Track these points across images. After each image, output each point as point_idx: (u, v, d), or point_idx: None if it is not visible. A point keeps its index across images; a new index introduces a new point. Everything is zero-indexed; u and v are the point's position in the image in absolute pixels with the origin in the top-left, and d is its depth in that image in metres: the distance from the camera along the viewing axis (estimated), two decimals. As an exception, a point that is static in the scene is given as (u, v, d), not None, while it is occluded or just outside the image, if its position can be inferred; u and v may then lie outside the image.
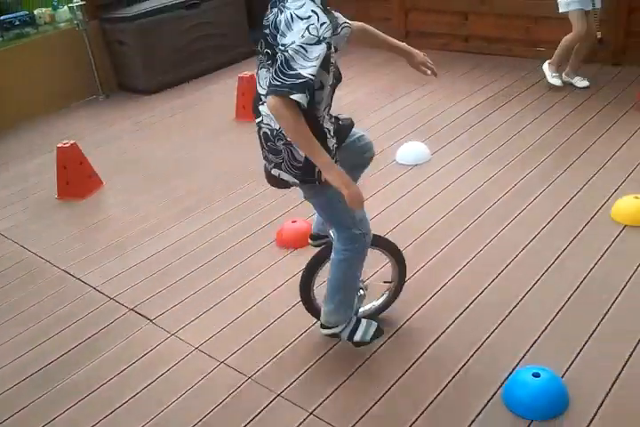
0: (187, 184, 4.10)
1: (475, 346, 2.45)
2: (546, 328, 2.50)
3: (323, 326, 2.46)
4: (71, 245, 3.55)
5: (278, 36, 1.86)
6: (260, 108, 2.05)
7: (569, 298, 2.65)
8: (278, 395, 2.35)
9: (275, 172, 2.15)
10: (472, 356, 2.41)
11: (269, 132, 2.05)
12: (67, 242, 3.60)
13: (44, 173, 4.43)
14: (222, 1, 6.30)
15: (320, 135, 1.99)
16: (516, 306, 2.64)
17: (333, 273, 2.34)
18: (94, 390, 2.49)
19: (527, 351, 2.40)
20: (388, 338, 2.56)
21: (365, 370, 2.42)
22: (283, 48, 1.82)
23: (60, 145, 4.07)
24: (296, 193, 3.72)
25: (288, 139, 1.99)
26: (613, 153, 3.75)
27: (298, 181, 2.12)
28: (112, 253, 3.42)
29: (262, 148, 2.15)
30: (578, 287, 2.70)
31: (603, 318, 2.52)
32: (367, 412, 2.23)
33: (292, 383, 2.39)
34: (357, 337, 2.43)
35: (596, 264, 2.83)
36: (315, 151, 1.92)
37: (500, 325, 2.55)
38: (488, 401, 2.21)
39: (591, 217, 3.17)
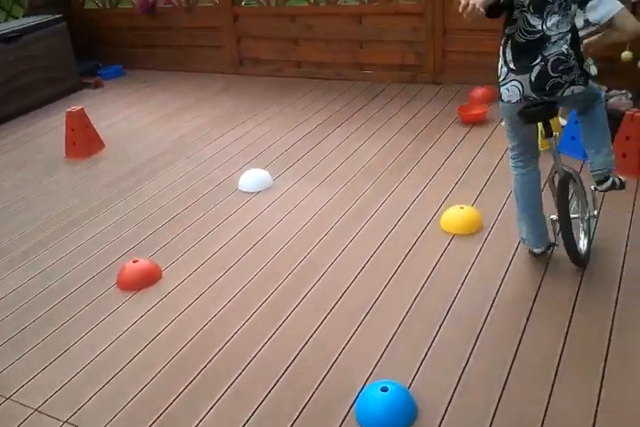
0: (15, 231, 3.81)
1: (327, 365, 2.49)
2: (391, 340, 2.59)
3: (603, 181, 2.80)
4: None
5: None
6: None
7: (410, 308, 2.77)
8: (127, 449, 2.22)
9: (567, 92, 2.58)
10: (324, 377, 2.44)
11: (564, 57, 2.53)
12: None
13: None
14: (46, 33, 6.02)
15: None
16: (362, 322, 2.72)
17: (601, 120, 2.75)
18: None
19: (375, 366, 2.46)
20: (244, 368, 2.52)
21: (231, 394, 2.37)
22: None
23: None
24: (140, 229, 3.62)
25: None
26: (440, 166, 4.00)
27: (585, 86, 2.61)
28: None
29: (550, 77, 2.54)
30: (416, 297, 2.83)
31: (440, 326, 2.65)
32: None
33: (141, 434, 2.28)
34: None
35: (430, 274, 2.98)
36: None
37: (347, 344, 2.60)
38: (342, 420, 2.24)
39: (424, 228, 3.34)
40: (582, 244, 2.93)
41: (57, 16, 6.22)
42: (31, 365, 2.68)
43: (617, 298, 2.69)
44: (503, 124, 2.88)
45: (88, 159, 4.69)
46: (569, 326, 2.56)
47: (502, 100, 2.68)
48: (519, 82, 2.57)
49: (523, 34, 2.52)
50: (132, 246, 3.50)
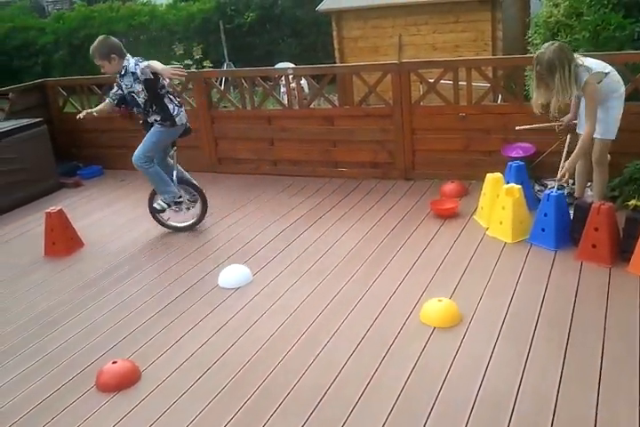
0: (-8, 332, 3.75)
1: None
2: (378, 440, 2.55)
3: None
4: None
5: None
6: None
7: (392, 408, 2.73)
8: None
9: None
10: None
11: None
12: None
13: None
14: (25, 135, 6.19)
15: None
16: (345, 421, 2.67)
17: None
18: None
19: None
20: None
21: None
22: None
23: None
24: (119, 329, 3.57)
25: None
26: (416, 259, 4.09)
27: None
28: None
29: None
30: (399, 396, 2.80)
31: (425, 424, 2.62)
32: None
33: None
34: None
35: (413, 369, 2.97)
36: None
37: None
38: None
39: (404, 322, 3.37)
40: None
41: (37, 120, 6.43)
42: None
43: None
44: (155, 142, 4.68)
45: (67, 258, 4.69)
46: (553, 416, 2.56)
47: (176, 125, 4.58)
48: (183, 113, 4.62)
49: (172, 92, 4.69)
50: (111, 347, 3.44)
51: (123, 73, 4.51)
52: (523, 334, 3.15)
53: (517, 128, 4.67)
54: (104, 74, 4.69)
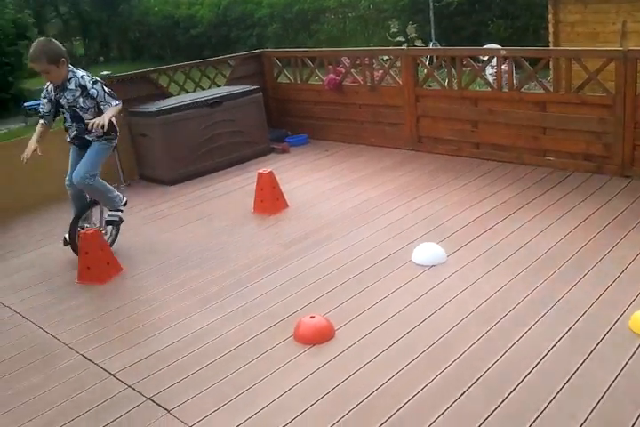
0: (205, 275, 4.16)
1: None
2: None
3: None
4: (90, 330, 3.58)
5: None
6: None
7: (591, 411, 2.59)
8: None
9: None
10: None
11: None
12: (86, 326, 3.64)
13: (64, 258, 4.55)
14: (244, 101, 6.67)
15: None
16: (536, 419, 2.60)
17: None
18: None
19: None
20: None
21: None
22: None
23: (82, 231, 4.18)
24: (317, 287, 3.79)
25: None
26: (627, 265, 3.76)
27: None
28: (131, 340, 3.43)
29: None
30: (599, 400, 2.65)
31: (629, 431, 2.48)
32: None
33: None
34: None
35: (618, 375, 2.79)
36: None
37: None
38: None
39: (609, 329, 3.14)
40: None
41: (254, 87, 6.89)
42: (212, 399, 2.86)
43: None
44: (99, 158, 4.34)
45: (272, 217, 5.04)
46: None
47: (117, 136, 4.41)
48: None
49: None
50: (310, 302, 3.66)
51: (67, 85, 4.05)
52: None
53: None
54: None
